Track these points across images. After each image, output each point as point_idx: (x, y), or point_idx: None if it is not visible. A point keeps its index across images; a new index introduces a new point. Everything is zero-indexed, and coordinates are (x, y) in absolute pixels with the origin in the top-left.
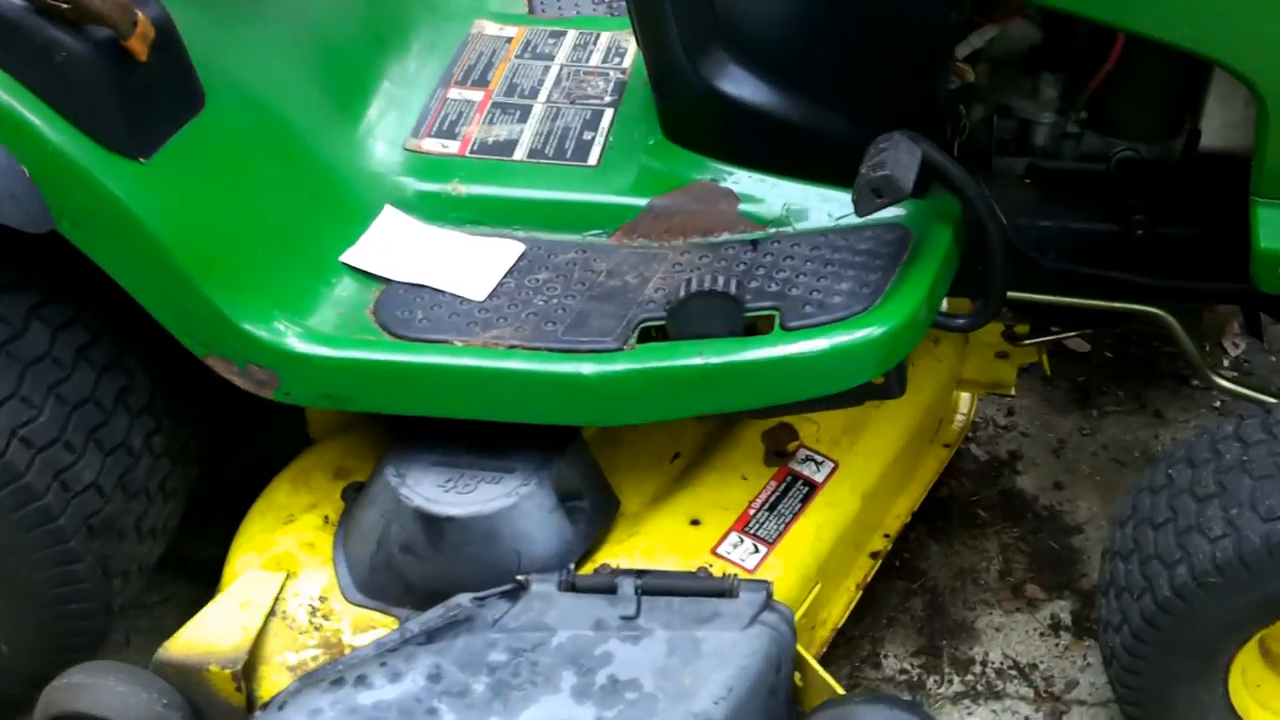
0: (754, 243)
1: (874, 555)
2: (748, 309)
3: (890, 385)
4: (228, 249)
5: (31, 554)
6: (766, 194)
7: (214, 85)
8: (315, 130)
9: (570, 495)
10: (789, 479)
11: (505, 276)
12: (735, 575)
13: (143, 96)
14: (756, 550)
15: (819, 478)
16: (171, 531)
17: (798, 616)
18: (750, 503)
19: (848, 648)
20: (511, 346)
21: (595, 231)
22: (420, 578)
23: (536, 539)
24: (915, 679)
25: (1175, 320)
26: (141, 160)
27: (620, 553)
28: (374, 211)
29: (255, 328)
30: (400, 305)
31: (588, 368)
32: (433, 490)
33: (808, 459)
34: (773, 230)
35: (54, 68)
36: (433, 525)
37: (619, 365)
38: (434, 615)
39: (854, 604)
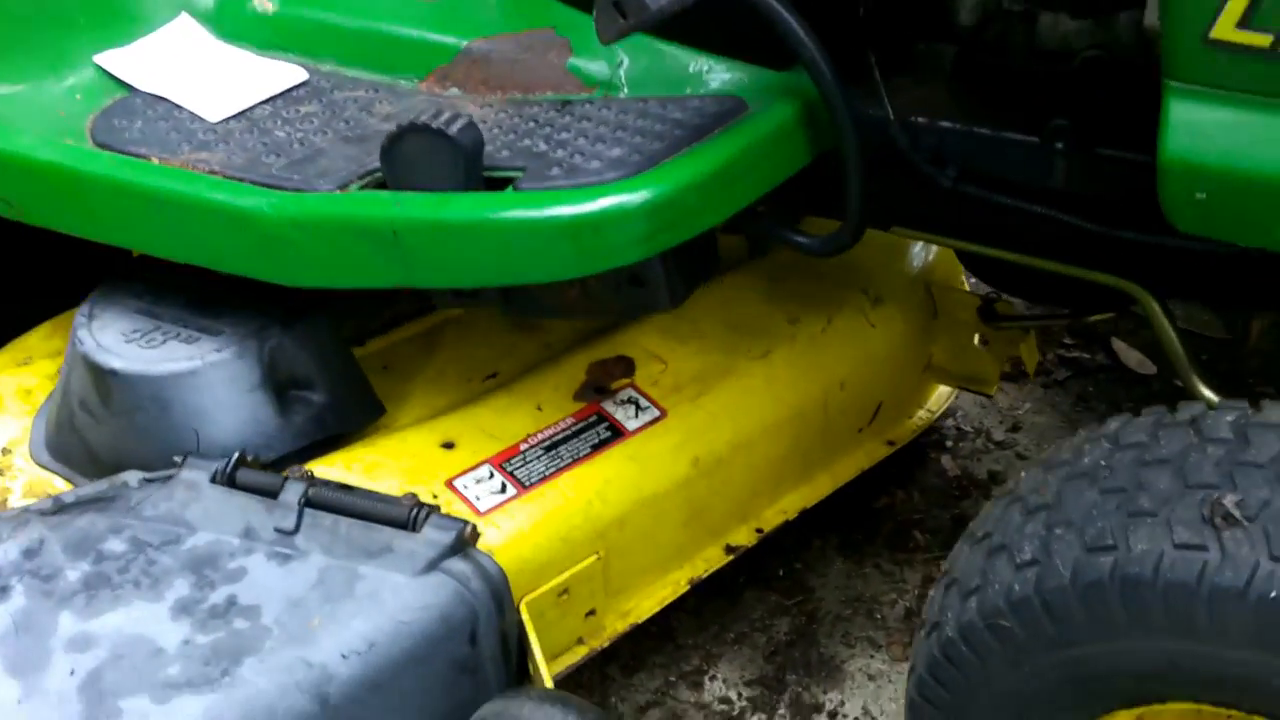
0: (566, 103)
1: (730, 550)
2: (490, 166)
3: (653, 291)
4: None
5: None
6: (605, 50)
7: None
8: None
9: (296, 381)
10: (593, 419)
11: (264, 103)
12: (427, 506)
13: None
14: (503, 490)
15: (630, 424)
16: None
17: (549, 587)
18: (528, 436)
19: (669, 655)
20: (211, 172)
21: (407, 75)
22: (100, 444)
23: (222, 421)
24: (734, 713)
25: (1154, 301)
26: None
27: (339, 461)
28: (162, 17)
29: None
30: (126, 115)
31: (268, 206)
32: (113, 338)
33: (629, 402)
34: (599, 93)
35: None
36: (100, 379)
37: (306, 209)
38: (93, 489)
39: (677, 600)
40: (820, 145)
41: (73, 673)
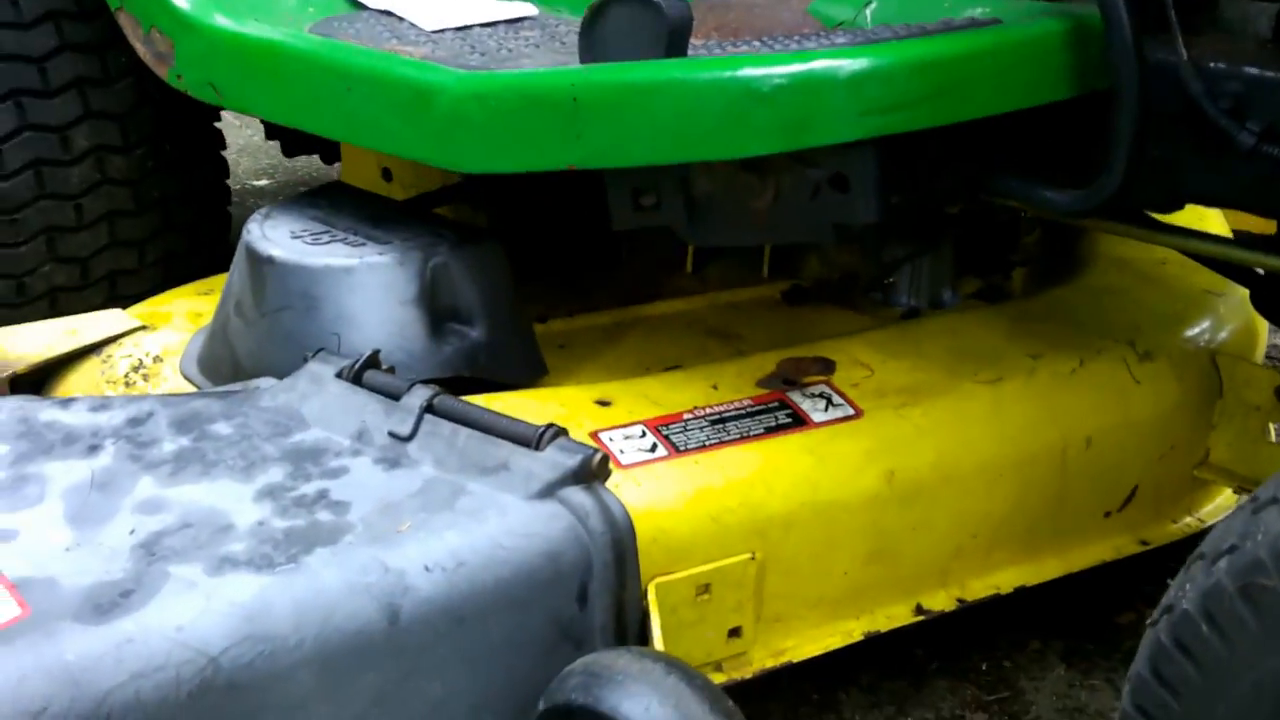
0: (802, 37)
1: (921, 611)
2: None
3: (856, 198)
4: None
5: None
6: None
7: None
8: None
9: (457, 313)
10: (774, 404)
11: (486, 25)
12: (558, 427)
13: None
14: (653, 450)
15: (817, 416)
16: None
17: (688, 575)
18: (695, 408)
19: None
20: (408, 56)
21: None
22: (246, 351)
23: (368, 329)
24: None
25: None
26: None
27: (479, 402)
28: None
29: None
30: (349, 22)
31: (453, 81)
32: (280, 233)
33: (820, 396)
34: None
35: None
36: (257, 270)
37: (488, 83)
38: (228, 388)
39: (848, 672)
40: (1086, 81)
41: (133, 532)
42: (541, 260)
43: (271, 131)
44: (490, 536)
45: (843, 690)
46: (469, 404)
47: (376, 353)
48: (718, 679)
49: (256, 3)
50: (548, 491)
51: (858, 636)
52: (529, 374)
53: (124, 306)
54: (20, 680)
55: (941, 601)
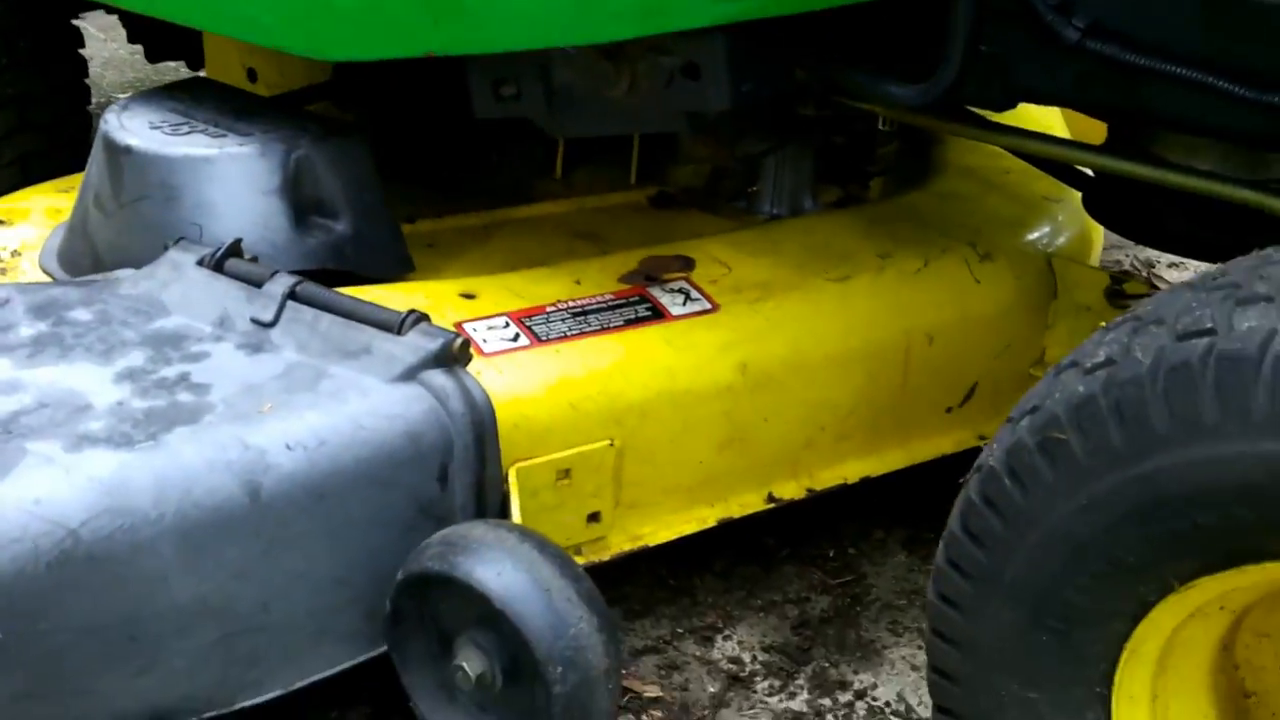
0: None
1: (772, 499)
2: None
3: (708, 85)
4: None
5: None
6: None
7: None
8: None
9: (321, 206)
10: (634, 298)
11: None
12: (419, 314)
13: None
14: (515, 340)
15: (675, 310)
16: None
17: (548, 459)
18: (557, 301)
19: (682, 608)
20: None
21: None
22: (105, 242)
23: (229, 219)
24: (743, 674)
25: None
26: None
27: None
28: None
29: None
30: None
31: None
32: (138, 124)
33: (679, 291)
34: None
35: None
36: (114, 160)
37: None
38: (83, 280)
39: (702, 558)
40: None
41: None
42: (409, 160)
43: (134, 35)
44: (351, 417)
45: (697, 575)
46: (332, 292)
47: (238, 241)
48: (577, 561)
49: None
50: (409, 374)
51: (711, 523)
52: (395, 269)
53: None
54: None
55: (792, 490)
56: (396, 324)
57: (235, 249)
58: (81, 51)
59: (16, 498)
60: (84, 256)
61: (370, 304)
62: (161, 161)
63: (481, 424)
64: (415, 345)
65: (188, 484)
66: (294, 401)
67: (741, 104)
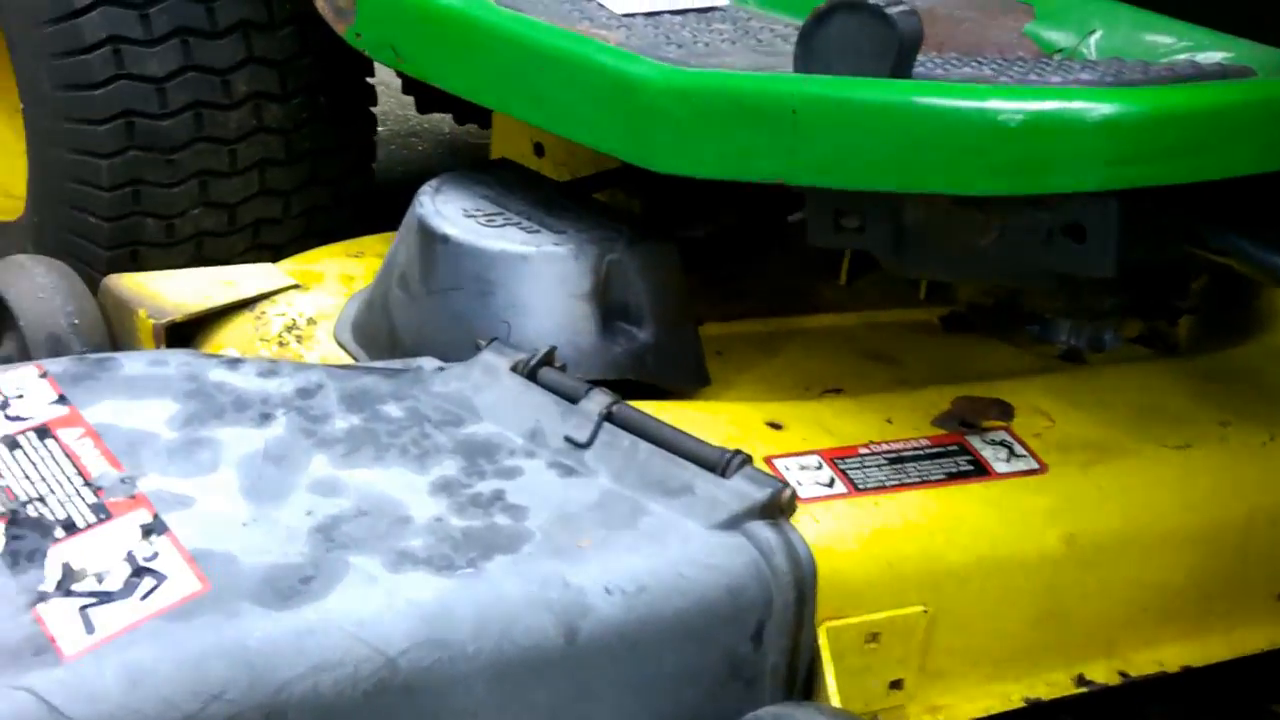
0: (1017, 59)
1: (1082, 682)
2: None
3: (1093, 248)
4: None
5: (63, 125)
6: (1074, 12)
7: None
8: None
9: (627, 312)
10: (951, 447)
11: (675, 12)
12: (744, 454)
13: None
14: (830, 485)
15: (999, 467)
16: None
17: (860, 621)
18: (871, 442)
19: None
20: (604, 41)
21: None
22: (406, 325)
23: (540, 320)
24: None
25: None
26: None
27: (650, 409)
28: None
29: None
30: None
31: (657, 74)
32: (453, 210)
33: (1002, 444)
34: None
35: None
36: (428, 246)
37: (697, 81)
38: (389, 364)
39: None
40: None
41: (309, 513)
42: (694, 253)
43: (409, 88)
44: (672, 563)
45: None
46: (648, 415)
47: (552, 351)
48: None
49: None
50: (733, 523)
51: (1017, 701)
52: (693, 382)
53: (266, 255)
54: (199, 660)
55: (1103, 673)
56: (720, 464)
57: (549, 357)
58: (372, 109)
59: (341, 618)
60: (381, 334)
61: (689, 436)
62: (478, 254)
63: (803, 582)
64: (741, 492)
65: (507, 620)
66: (614, 540)
67: (1127, 270)
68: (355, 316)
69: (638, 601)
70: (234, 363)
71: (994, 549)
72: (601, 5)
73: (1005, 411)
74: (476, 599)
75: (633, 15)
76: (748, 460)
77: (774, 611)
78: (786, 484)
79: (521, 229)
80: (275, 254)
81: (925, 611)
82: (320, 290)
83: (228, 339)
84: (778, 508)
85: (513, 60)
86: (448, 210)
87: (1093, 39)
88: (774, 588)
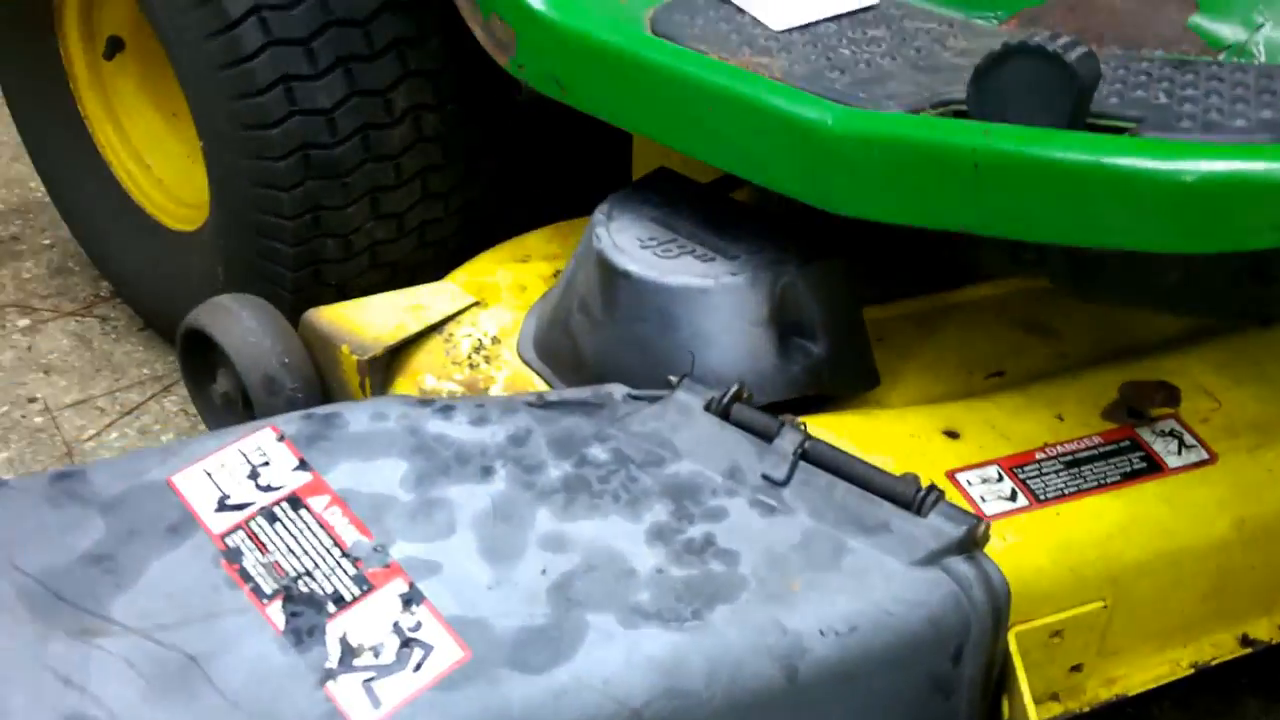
0: (1185, 62)
1: (1246, 642)
2: (1097, 113)
3: (1277, 296)
4: None
5: (242, 162)
6: (1241, 9)
7: None
8: None
9: (801, 328)
10: (1124, 443)
11: (829, 20)
12: (936, 490)
13: None
14: (1012, 498)
15: (1172, 461)
16: (426, 241)
17: (1044, 624)
18: (1046, 445)
19: None
20: (770, 78)
21: (986, 14)
22: (590, 349)
23: (722, 349)
24: None
25: None
26: None
27: (830, 424)
28: None
29: None
30: (689, 11)
31: (833, 119)
32: (629, 241)
33: (1172, 435)
34: (1227, 58)
35: None
36: (609, 279)
37: (875, 126)
38: (579, 393)
39: (1172, 682)
40: None
41: (544, 572)
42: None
43: None
44: (878, 603)
45: (1155, 704)
46: (839, 450)
47: (742, 387)
48: (1054, 709)
49: None
50: (931, 559)
51: (1185, 668)
52: (864, 385)
53: (430, 251)
54: None
55: (1265, 631)
56: (915, 502)
57: (740, 394)
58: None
59: (589, 676)
60: (565, 354)
61: (880, 472)
62: (659, 289)
63: (999, 609)
64: (938, 530)
65: (735, 667)
66: (821, 581)
67: None
68: (536, 334)
69: (850, 640)
70: (446, 410)
71: (1169, 542)
72: (757, 20)
73: (1172, 396)
74: (705, 650)
75: (790, 31)
76: (941, 496)
77: (972, 635)
78: (980, 519)
79: (696, 256)
80: (439, 249)
81: (1104, 606)
82: (499, 306)
83: (422, 364)
84: (973, 542)
85: (678, 99)
86: (624, 241)
87: (1261, 35)
88: (972, 616)
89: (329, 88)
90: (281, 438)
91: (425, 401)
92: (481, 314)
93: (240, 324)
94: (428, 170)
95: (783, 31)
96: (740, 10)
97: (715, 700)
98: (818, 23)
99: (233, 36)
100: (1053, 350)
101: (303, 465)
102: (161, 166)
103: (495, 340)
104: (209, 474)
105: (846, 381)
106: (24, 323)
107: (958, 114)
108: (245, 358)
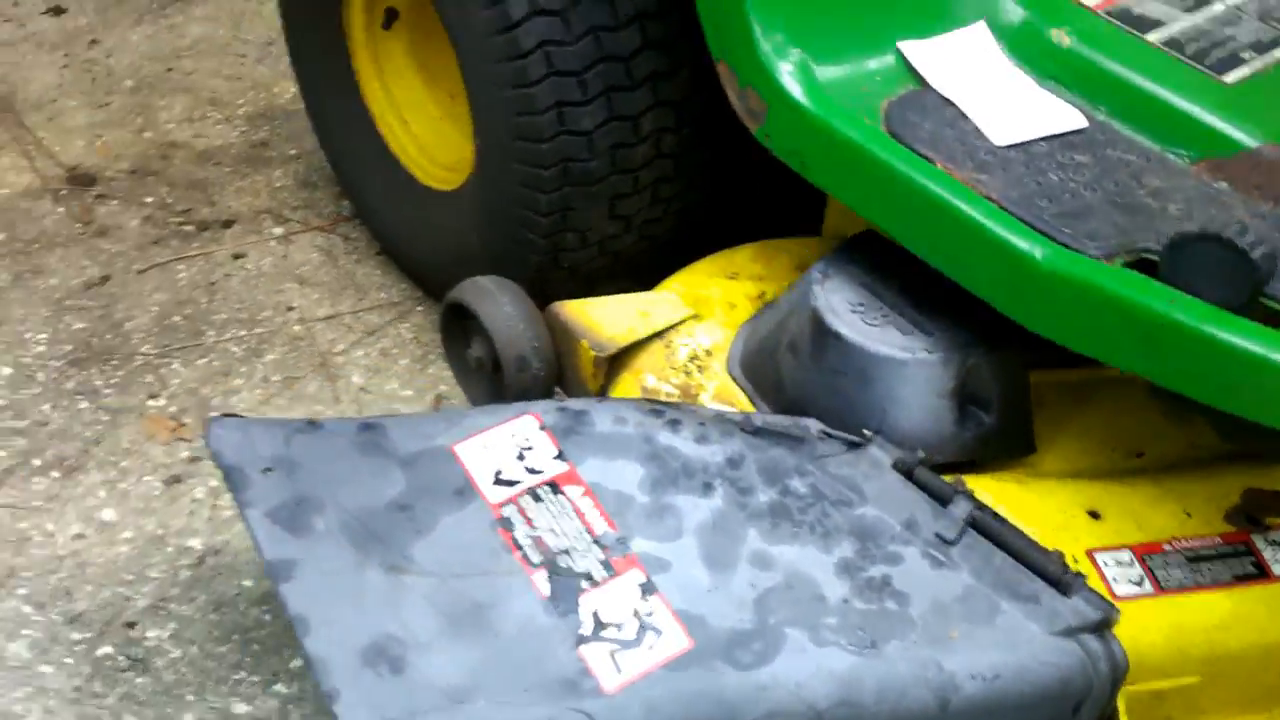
0: None
1: None
2: (1270, 294)
3: None
4: None
5: (513, 165)
6: None
7: None
8: None
9: (977, 399)
10: (1238, 548)
11: (1042, 140)
12: (1081, 576)
13: None
14: (1140, 584)
15: (1276, 569)
16: (645, 235)
17: (1150, 688)
18: (1174, 539)
19: None
20: (987, 198)
21: (1179, 150)
22: (791, 383)
23: (909, 410)
24: None
25: None
26: None
27: (988, 489)
28: (962, 19)
29: (774, 54)
30: (918, 110)
31: (1041, 255)
32: (841, 303)
33: (1278, 544)
34: None
35: None
36: (821, 333)
37: (1074, 271)
38: (780, 421)
39: None
40: None
41: (752, 585)
42: None
43: None
44: (1021, 660)
45: None
46: (1004, 523)
47: (929, 457)
48: None
49: (843, 80)
50: (1069, 633)
51: None
52: (1023, 452)
53: (645, 243)
54: (693, 701)
55: None
56: (1063, 582)
57: (925, 460)
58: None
59: (785, 679)
60: (768, 379)
61: (1034, 546)
62: (864, 353)
63: (1118, 679)
64: (1079, 611)
65: (900, 692)
66: (977, 634)
67: None
68: (743, 355)
69: (993, 686)
70: (674, 424)
71: (1263, 637)
72: (980, 132)
73: None
74: (878, 674)
75: (1007, 148)
76: (1083, 580)
77: (1092, 694)
78: (1114, 607)
79: (898, 328)
80: (653, 243)
81: (1202, 680)
82: (712, 321)
83: (644, 364)
84: (1106, 625)
85: (905, 199)
86: (837, 304)
87: None
88: (1095, 681)
89: (593, 113)
90: (543, 427)
91: (656, 411)
92: (697, 326)
93: (502, 309)
94: (659, 181)
95: (1002, 147)
96: (965, 116)
97: (881, 715)
98: (1033, 141)
99: (519, 66)
100: (1188, 439)
101: (561, 456)
102: (419, 126)
103: (708, 353)
104: (485, 448)
105: (1010, 449)
106: (279, 231)
107: (1149, 263)
108: (504, 338)
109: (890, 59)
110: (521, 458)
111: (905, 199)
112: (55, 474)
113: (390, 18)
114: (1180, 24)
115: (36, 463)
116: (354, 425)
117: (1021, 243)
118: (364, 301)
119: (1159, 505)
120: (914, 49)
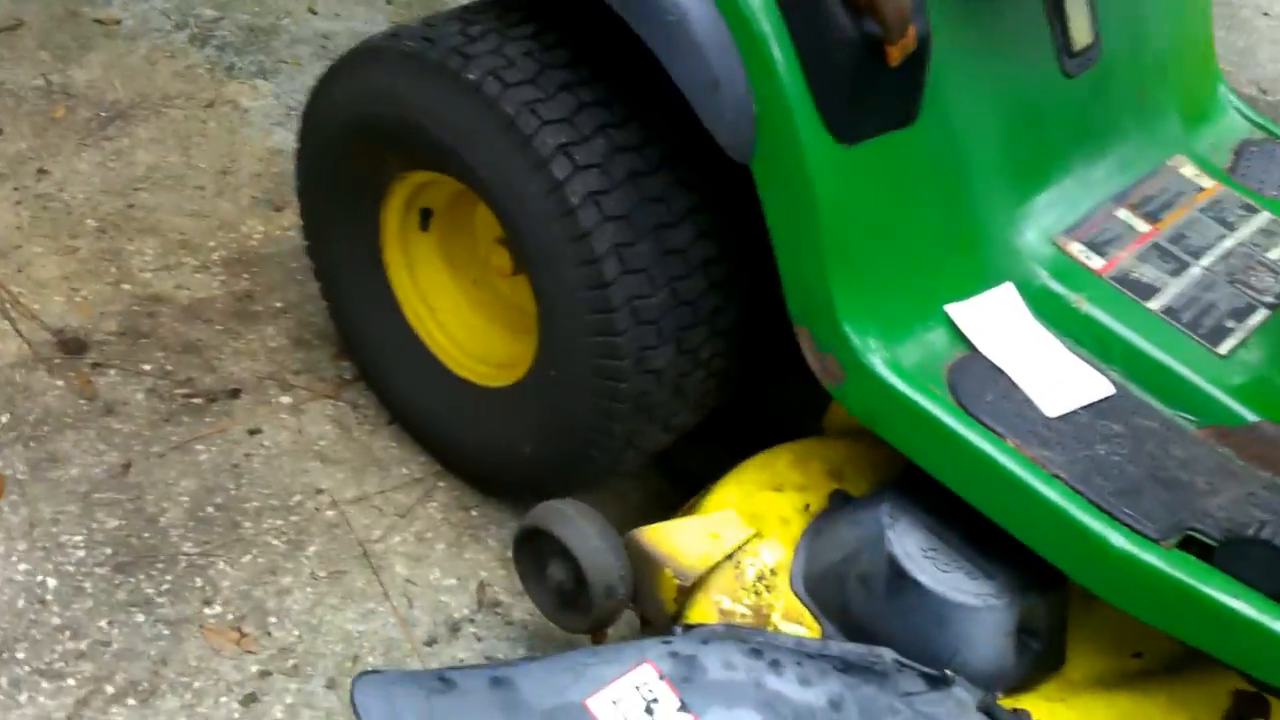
0: None
1: None
2: None
3: None
4: (867, 250)
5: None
6: None
7: (926, 106)
8: (986, 184)
9: (1029, 630)
10: None
11: (1083, 409)
12: None
13: (874, 94)
14: None
15: None
16: (691, 410)
17: None
18: None
19: None
20: (1056, 476)
21: (1187, 416)
22: (861, 610)
23: (979, 649)
24: None
25: None
26: (844, 145)
27: (1038, 711)
28: (993, 280)
29: (852, 329)
30: (976, 378)
31: (1118, 541)
32: (915, 549)
33: None
34: None
35: (821, 39)
36: (898, 578)
37: (1148, 557)
38: (857, 650)
39: None
40: None
41: None
42: None
43: None
44: None
45: None
46: None
47: (1009, 708)
48: None
49: (909, 348)
50: None
51: None
52: (1056, 669)
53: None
54: None
55: None
56: None
57: (1001, 703)
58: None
59: None
60: (835, 602)
61: None
62: (938, 599)
63: None
64: None
65: None
66: None
67: None
68: (806, 575)
69: None
70: (775, 665)
71: None
72: (1032, 404)
73: (1264, 710)
74: None
75: (1059, 420)
76: None
77: None
78: None
79: (965, 573)
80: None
81: None
82: (772, 538)
83: (717, 586)
84: None
85: (981, 474)
86: (911, 549)
87: None
88: None
89: (659, 305)
90: (661, 676)
91: (755, 651)
92: (760, 545)
93: (589, 540)
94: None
95: (1055, 419)
96: (1016, 386)
97: None
98: (1075, 412)
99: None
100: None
101: (684, 708)
102: (446, 314)
103: (773, 572)
104: (614, 702)
105: (1050, 666)
106: (286, 400)
107: (1200, 545)
108: (593, 568)
109: (942, 323)
110: (650, 711)
111: (983, 472)
112: (131, 701)
113: (425, 217)
114: (1172, 290)
115: (110, 690)
116: (484, 680)
117: (1095, 524)
118: (388, 479)
119: (1169, 710)
120: (959, 313)
